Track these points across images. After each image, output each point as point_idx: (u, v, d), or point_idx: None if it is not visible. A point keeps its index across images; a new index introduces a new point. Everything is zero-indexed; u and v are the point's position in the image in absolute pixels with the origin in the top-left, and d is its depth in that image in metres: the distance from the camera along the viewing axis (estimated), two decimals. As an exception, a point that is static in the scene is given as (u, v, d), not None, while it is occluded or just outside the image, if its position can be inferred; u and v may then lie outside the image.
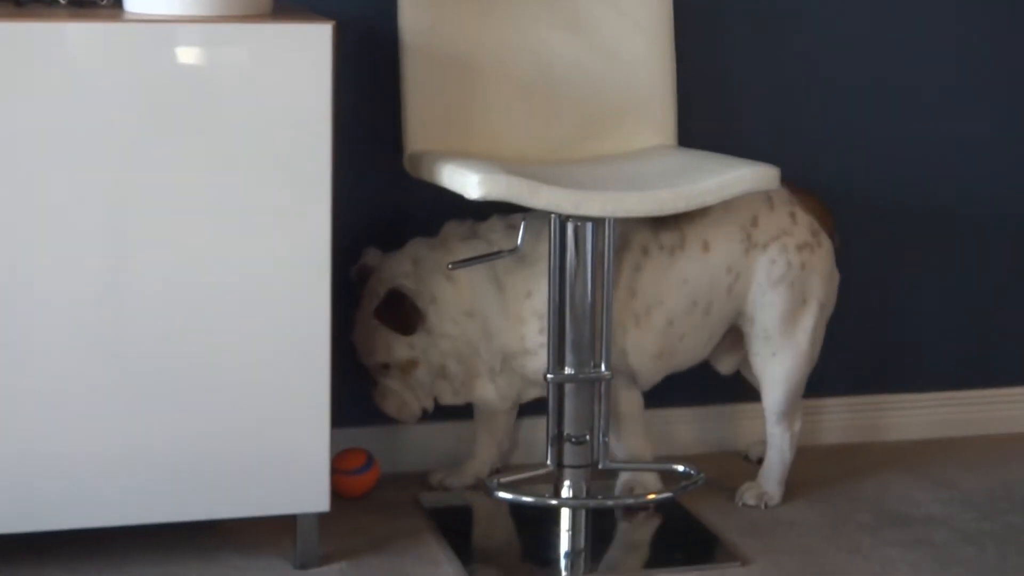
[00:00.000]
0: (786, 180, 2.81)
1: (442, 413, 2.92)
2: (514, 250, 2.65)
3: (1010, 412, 3.27)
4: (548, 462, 2.68)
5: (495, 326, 2.70)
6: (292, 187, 2.43)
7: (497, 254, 2.67)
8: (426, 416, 2.81)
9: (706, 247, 2.72)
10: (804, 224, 2.77)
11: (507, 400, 2.78)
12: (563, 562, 2.63)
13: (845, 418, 3.18)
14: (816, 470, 3.02)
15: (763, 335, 2.77)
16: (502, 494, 2.64)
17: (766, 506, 2.84)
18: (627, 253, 2.70)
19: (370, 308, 2.72)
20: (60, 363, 2.39)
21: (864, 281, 3.14)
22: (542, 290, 2.68)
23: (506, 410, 2.83)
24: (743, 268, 2.74)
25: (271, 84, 2.40)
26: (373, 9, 2.80)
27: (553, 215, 2.59)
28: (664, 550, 2.68)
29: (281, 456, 2.48)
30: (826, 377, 3.06)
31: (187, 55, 2.38)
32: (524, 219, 2.65)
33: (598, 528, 2.71)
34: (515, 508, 2.77)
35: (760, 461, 2.93)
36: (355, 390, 2.80)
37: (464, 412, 2.89)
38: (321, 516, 2.55)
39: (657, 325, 2.72)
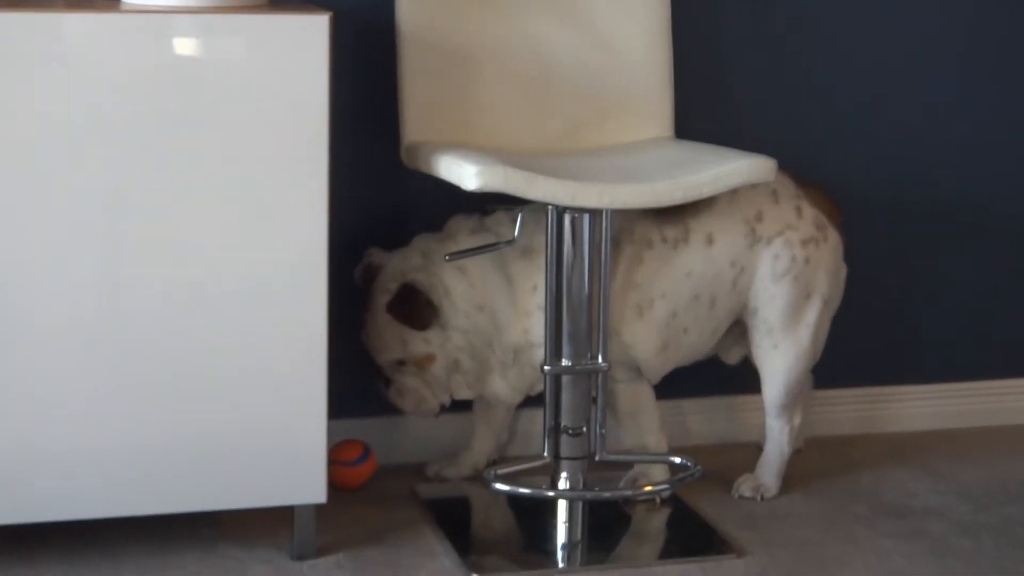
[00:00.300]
0: (792, 173, 2.81)
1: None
2: (511, 241, 2.65)
3: (1008, 404, 3.27)
4: (545, 454, 2.68)
5: (504, 319, 2.70)
6: (289, 178, 2.43)
7: (495, 245, 2.67)
8: (443, 410, 2.80)
9: (710, 240, 2.72)
10: (809, 218, 2.77)
11: (518, 393, 2.78)
12: (560, 553, 2.64)
13: (843, 410, 3.18)
14: (813, 462, 3.02)
15: (765, 328, 2.77)
16: (499, 485, 2.64)
17: (762, 498, 2.84)
18: (629, 246, 2.70)
19: (381, 305, 2.71)
20: (56, 356, 2.39)
21: (862, 274, 3.13)
22: (544, 285, 2.67)
23: (514, 403, 2.83)
24: (747, 262, 2.74)
25: (268, 76, 2.40)
26: (370, 0, 2.79)
27: (550, 207, 2.59)
28: (661, 542, 2.68)
29: (278, 448, 2.49)
30: (825, 369, 3.06)
31: (184, 46, 2.38)
32: (521, 211, 2.65)
33: (595, 520, 2.71)
34: (512, 500, 2.78)
35: (796, 452, 2.96)
36: (352, 382, 2.80)
37: (461, 404, 2.89)
38: (318, 507, 2.55)
39: (660, 318, 2.72)
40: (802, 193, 2.79)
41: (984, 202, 3.20)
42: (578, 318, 2.63)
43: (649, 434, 2.79)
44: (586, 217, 2.60)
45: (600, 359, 2.65)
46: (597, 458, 2.69)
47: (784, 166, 2.66)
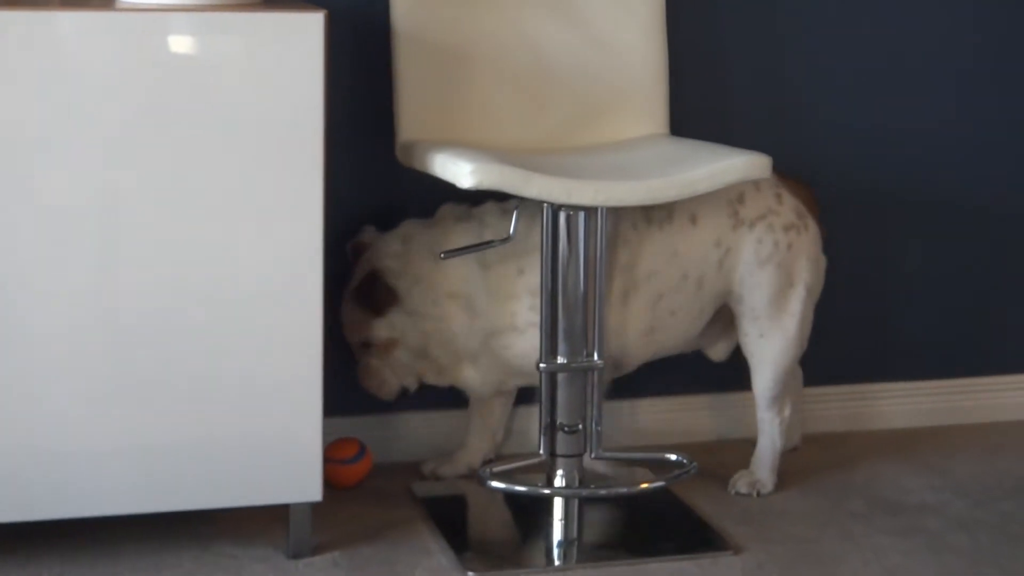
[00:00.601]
0: (775, 170, 2.81)
1: (435, 402, 2.92)
2: (506, 239, 2.65)
3: (1000, 400, 3.28)
4: (541, 451, 2.68)
5: (480, 305, 2.70)
6: (284, 176, 2.43)
7: (489, 243, 2.67)
8: (412, 400, 2.80)
9: (694, 220, 2.73)
10: (790, 206, 2.78)
11: (488, 386, 2.78)
12: (556, 551, 2.64)
13: (833, 407, 3.19)
14: (808, 459, 3.02)
15: (751, 315, 2.77)
16: (495, 483, 2.64)
17: (758, 494, 2.84)
18: (613, 227, 2.70)
19: (350, 288, 2.74)
20: (52, 355, 2.39)
21: (855, 270, 3.14)
22: (535, 269, 2.68)
23: (489, 397, 2.83)
24: (732, 243, 2.74)
25: (263, 73, 2.40)
26: (365, -2, 2.80)
27: (545, 204, 2.59)
28: (657, 539, 2.68)
29: (274, 446, 2.49)
30: (815, 366, 3.07)
31: (179, 44, 2.37)
32: (516, 208, 2.65)
33: (591, 517, 2.71)
34: (508, 497, 2.78)
35: (793, 450, 2.96)
36: (348, 380, 2.80)
37: (458, 402, 2.89)
38: (314, 506, 2.55)
39: (646, 299, 2.72)
40: (781, 183, 2.80)
41: (980, 201, 3.20)
42: (573, 315, 2.63)
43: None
44: (581, 214, 2.60)
45: (596, 356, 2.65)
46: (593, 456, 2.69)
47: (778, 163, 2.66)
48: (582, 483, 2.68)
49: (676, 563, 2.57)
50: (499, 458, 2.88)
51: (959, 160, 3.18)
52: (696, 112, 2.97)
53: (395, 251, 2.72)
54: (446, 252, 2.66)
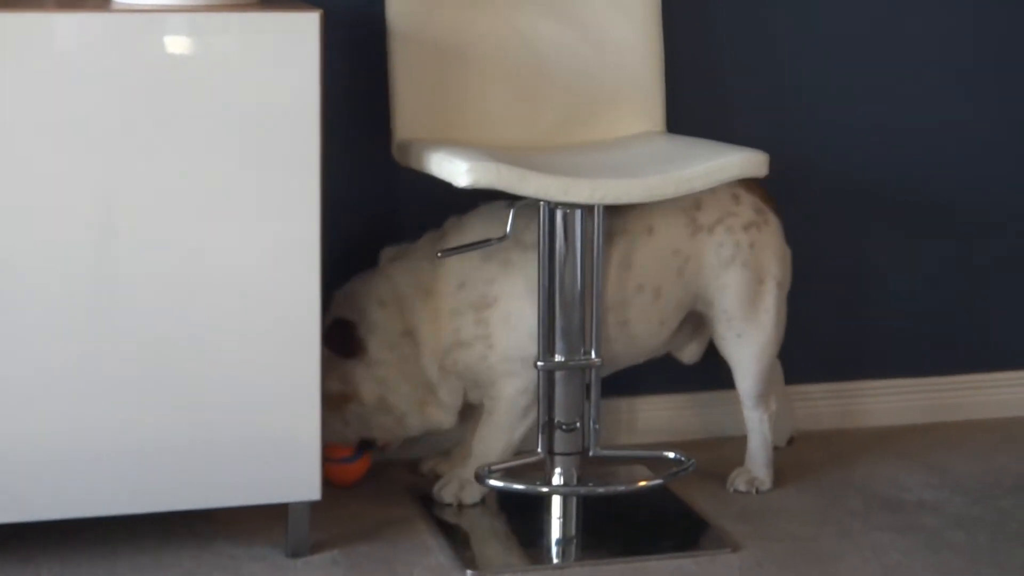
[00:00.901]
0: None
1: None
2: (503, 238, 2.65)
3: (994, 397, 3.27)
4: (539, 449, 2.69)
5: (425, 332, 2.70)
6: (281, 176, 2.43)
7: (486, 242, 2.67)
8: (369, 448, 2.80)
9: (651, 231, 2.72)
10: (748, 204, 2.77)
11: (453, 411, 2.76)
12: (554, 549, 2.64)
13: (825, 404, 3.18)
14: (805, 456, 3.02)
15: (724, 317, 2.77)
16: (493, 481, 2.64)
17: (757, 491, 2.84)
18: None
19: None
20: (48, 352, 2.39)
21: (845, 267, 3.14)
22: (474, 282, 2.68)
23: (453, 424, 2.82)
24: (691, 251, 2.74)
25: (259, 73, 2.40)
26: (361, -2, 2.80)
27: (542, 202, 2.59)
28: (655, 537, 2.68)
29: (272, 445, 2.49)
30: (808, 364, 3.07)
31: (175, 45, 2.38)
32: (513, 207, 2.65)
33: (589, 515, 2.71)
34: (506, 495, 2.78)
35: (790, 442, 2.97)
36: (346, 379, 2.80)
37: (455, 400, 2.90)
38: (313, 504, 2.55)
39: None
40: (737, 183, 2.79)
41: (975, 199, 3.20)
42: (571, 313, 2.63)
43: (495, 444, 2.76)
44: (578, 212, 2.60)
45: (593, 354, 2.65)
46: (591, 454, 2.69)
47: (774, 160, 2.66)
48: (580, 481, 2.68)
49: (674, 561, 2.57)
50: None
51: (955, 158, 3.18)
52: (692, 109, 2.97)
53: (340, 301, 2.71)
54: (443, 251, 2.66)
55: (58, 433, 2.41)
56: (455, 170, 2.46)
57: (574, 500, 2.70)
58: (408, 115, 2.72)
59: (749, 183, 2.79)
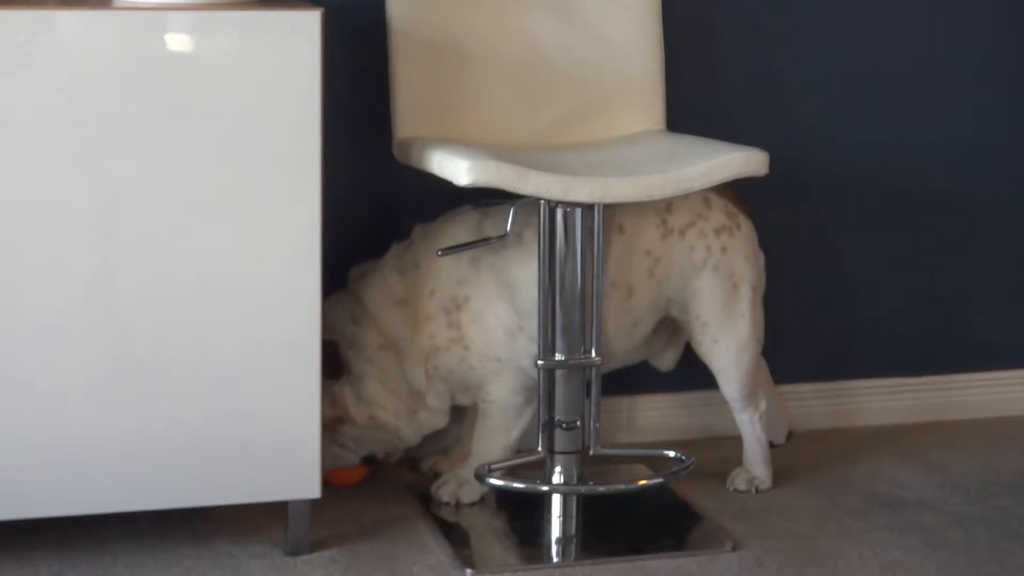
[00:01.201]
0: None
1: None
2: (503, 236, 2.66)
3: (993, 396, 3.27)
4: (539, 448, 2.69)
5: (405, 342, 2.70)
6: (282, 174, 2.43)
7: (486, 240, 2.68)
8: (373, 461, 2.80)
9: (621, 230, 2.72)
10: (719, 207, 2.77)
11: (444, 414, 2.77)
12: (554, 548, 2.64)
13: (821, 404, 3.18)
14: (805, 455, 3.02)
15: (699, 323, 2.76)
16: (493, 480, 2.64)
17: (757, 490, 2.84)
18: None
19: None
20: (50, 351, 2.39)
21: (842, 265, 3.14)
22: (444, 285, 2.68)
23: (449, 420, 2.82)
24: (662, 253, 2.73)
25: (260, 72, 2.40)
26: (362, -4, 2.80)
27: (542, 201, 2.59)
28: (655, 536, 2.68)
29: (272, 443, 2.49)
30: (799, 363, 3.07)
31: (176, 43, 2.38)
32: (514, 205, 2.65)
33: (589, 514, 2.71)
34: (506, 494, 2.78)
35: (789, 437, 2.99)
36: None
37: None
38: (312, 503, 2.55)
39: None
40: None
41: (979, 196, 3.20)
42: (571, 312, 2.63)
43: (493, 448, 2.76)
44: (578, 211, 2.60)
45: (593, 353, 2.65)
46: (591, 452, 2.69)
47: (774, 159, 2.65)
48: (580, 480, 2.68)
49: (674, 560, 2.58)
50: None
51: (954, 158, 3.18)
52: (692, 108, 2.97)
53: (338, 320, 2.71)
54: (443, 249, 2.67)
55: (58, 431, 2.41)
56: (456, 169, 2.46)
57: (574, 499, 2.70)
58: (409, 114, 2.72)
59: (721, 186, 2.78)
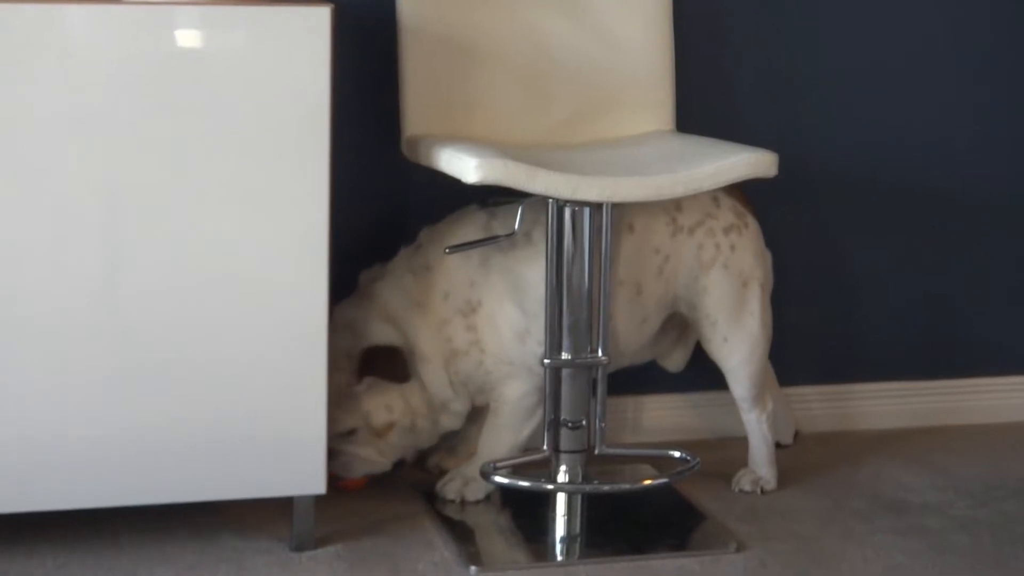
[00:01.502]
0: None
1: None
2: (512, 234, 2.66)
3: (998, 401, 3.27)
4: (544, 447, 2.69)
5: (425, 346, 2.70)
6: (290, 171, 2.43)
7: (495, 238, 2.68)
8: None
9: (631, 229, 2.72)
10: (727, 207, 2.78)
11: (463, 416, 2.77)
12: (558, 547, 2.64)
13: (825, 407, 3.18)
14: (810, 457, 3.02)
15: (708, 321, 2.77)
16: (498, 478, 2.64)
17: (762, 491, 2.84)
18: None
19: (348, 368, 2.70)
20: (57, 344, 2.40)
21: (846, 267, 3.14)
22: (457, 288, 2.68)
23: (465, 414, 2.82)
24: (671, 251, 2.73)
25: (269, 68, 2.40)
26: (372, -7, 2.80)
27: (550, 200, 2.59)
28: (659, 536, 2.68)
29: (278, 438, 2.49)
30: (804, 366, 3.07)
31: (185, 38, 2.38)
32: (522, 204, 2.65)
33: (593, 513, 2.72)
34: (511, 492, 2.78)
35: (796, 437, 3.00)
36: (352, 374, 2.80)
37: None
38: (317, 499, 2.55)
39: None
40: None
41: (982, 198, 3.20)
42: (578, 311, 2.63)
43: (497, 444, 2.76)
44: (586, 211, 2.61)
45: (600, 352, 2.65)
46: (596, 452, 2.69)
47: (784, 160, 2.66)
48: (585, 479, 2.68)
49: (679, 560, 2.57)
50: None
51: (962, 160, 3.18)
52: (702, 108, 2.97)
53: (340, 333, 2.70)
54: (451, 247, 2.67)
55: (63, 425, 2.42)
56: (464, 166, 2.46)
57: (579, 498, 2.70)
58: (418, 111, 2.73)
59: (729, 186, 2.78)
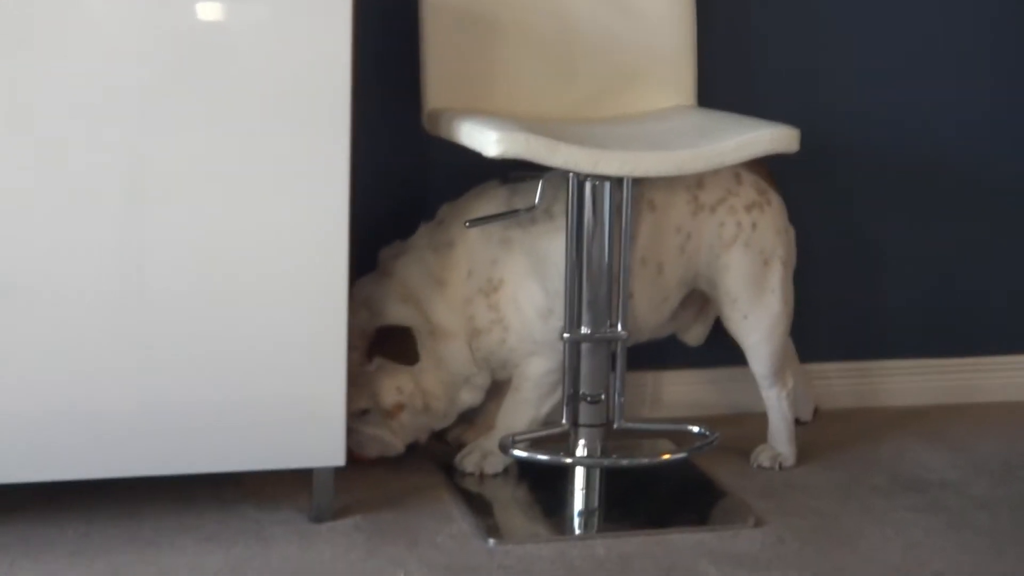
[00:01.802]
0: None
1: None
2: (531, 208, 2.66)
3: (1018, 380, 3.26)
4: (563, 421, 2.69)
5: (447, 323, 2.70)
6: (311, 145, 2.44)
7: (514, 212, 2.68)
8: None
9: (652, 207, 2.72)
10: (749, 183, 2.77)
11: (483, 391, 2.78)
12: (576, 520, 2.65)
13: (846, 383, 3.18)
14: (829, 433, 3.02)
15: (728, 298, 2.77)
16: (517, 452, 2.65)
17: (781, 467, 2.85)
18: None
19: (368, 345, 2.70)
20: (79, 315, 2.41)
21: (869, 244, 3.13)
22: (480, 266, 2.68)
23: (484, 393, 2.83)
24: (693, 229, 2.73)
25: (291, 41, 2.40)
26: (394, -33, 2.80)
27: (571, 174, 2.59)
28: (677, 510, 2.68)
29: (298, 410, 2.50)
30: (826, 342, 3.07)
31: (207, 12, 2.38)
32: (543, 177, 2.65)
33: (612, 487, 2.72)
34: (530, 466, 2.78)
35: (815, 413, 3.01)
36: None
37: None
38: (337, 470, 2.56)
39: None
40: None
41: (1007, 174, 3.19)
42: (597, 286, 2.63)
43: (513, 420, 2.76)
44: (607, 185, 2.60)
45: (620, 327, 2.65)
46: (616, 426, 2.69)
47: (806, 135, 2.65)
48: (604, 453, 2.69)
49: (697, 534, 2.58)
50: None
51: (984, 137, 3.17)
52: (723, 83, 2.96)
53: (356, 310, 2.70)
54: (471, 221, 2.67)
55: (85, 395, 2.43)
56: (485, 140, 2.46)
57: (597, 472, 2.71)
58: (439, 85, 2.72)
59: (752, 162, 2.78)
